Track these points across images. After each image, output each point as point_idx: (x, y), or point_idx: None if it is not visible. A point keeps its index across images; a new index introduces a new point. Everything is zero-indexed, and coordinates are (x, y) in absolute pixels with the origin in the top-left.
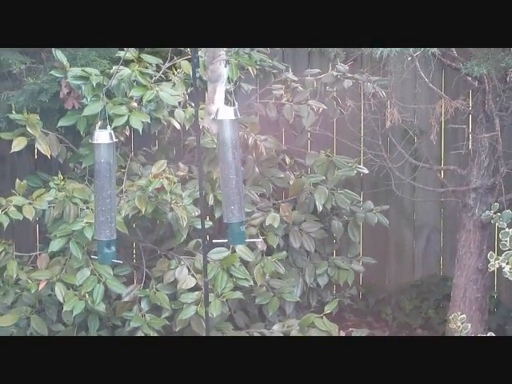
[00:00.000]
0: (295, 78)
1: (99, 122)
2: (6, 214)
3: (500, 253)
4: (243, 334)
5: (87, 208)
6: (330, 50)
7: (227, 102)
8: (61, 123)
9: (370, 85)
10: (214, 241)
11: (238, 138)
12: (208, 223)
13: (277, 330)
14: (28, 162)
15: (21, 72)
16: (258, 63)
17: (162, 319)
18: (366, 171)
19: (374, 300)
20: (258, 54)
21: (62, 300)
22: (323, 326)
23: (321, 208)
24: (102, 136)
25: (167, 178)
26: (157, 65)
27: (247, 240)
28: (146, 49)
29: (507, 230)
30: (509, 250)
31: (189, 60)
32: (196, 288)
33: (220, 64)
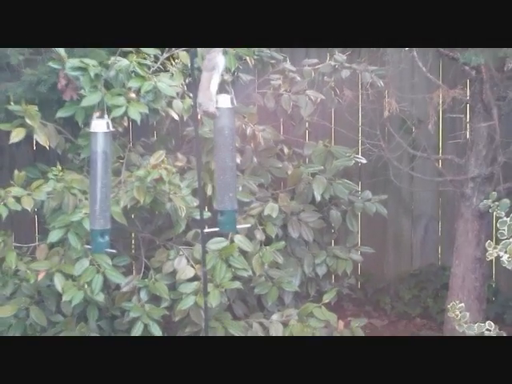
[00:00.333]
0: (293, 68)
1: (97, 113)
2: (4, 205)
3: (498, 242)
4: (242, 323)
5: (86, 199)
6: None
7: (224, 91)
8: (59, 114)
9: (367, 75)
10: (205, 230)
11: (234, 127)
12: (206, 213)
13: (276, 320)
14: (27, 153)
15: (19, 63)
16: (256, 53)
17: (161, 309)
18: (364, 161)
19: (372, 289)
20: None
21: (61, 290)
22: (322, 316)
23: (319, 198)
24: (100, 125)
25: (166, 168)
26: (155, 55)
27: (238, 226)
28: None
29: (505, 219)
30: (507, 239)
31: (187, 50)
32: (195, 278)
33: (217, 53)
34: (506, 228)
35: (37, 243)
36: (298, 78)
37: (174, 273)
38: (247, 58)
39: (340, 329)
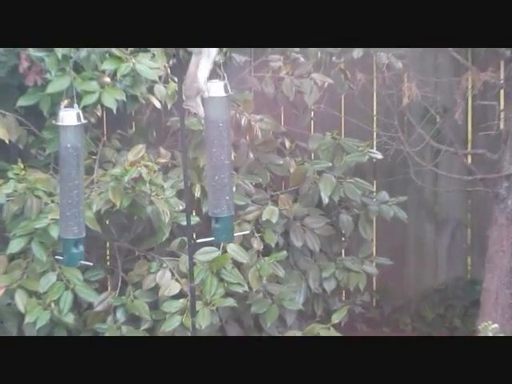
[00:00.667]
0: (296, 48)
1: (65, 101)
2: None
3: None
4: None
5: (52, 202)
6: None
7: (216, 75)
8: (20, 102)
9: (383, 55)
10: (198, 240)
11: (228, 118)
12: (194, 219)
13: None
14: None
15: None
16: None
17: (140, 331)
18: (379, 156)
19: (390, 308)
20: None
21: (23, 310)
22: None
23: (327, 200)
24: (69, 116)
25: (146, 165)
26: None
27: (235, 234)
28: None
29: None
30: None
31: None
32: (181, 295)
33: None
34: None
35: None
36: (302, 59)
37: (155, 288)
38: None
39: None
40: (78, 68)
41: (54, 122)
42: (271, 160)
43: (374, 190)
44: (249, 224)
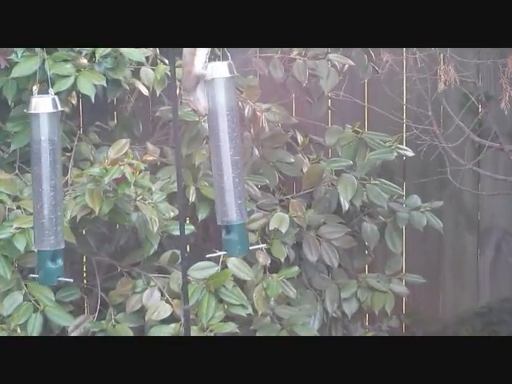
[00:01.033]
0: None
1: (35, 87)
2: None
3: None
4: None
5: (18, 208)
6: None
7: (215, 57)
8: None
9: None
10: (207, 255)
11: (236, 105)
12: (189, 227)
13: None
14: None
15: None
16: None
17: None
18: (410, 153)
19: (422, 334)
20: None
21: None
22: None
23: (347, 205)
24: (43, 103)
25: (130, 164)
26: None
27: (250, 247)
28: None
29: None
30: None
31: None
32: (172, 319)
33: None
34: None
35: None
36: None
37: (142, 311)
38: None
39: None
40: (49, 48)
41: (24, 110)
42: (280, 158)
43: (404, 193)
44: (254, 234)
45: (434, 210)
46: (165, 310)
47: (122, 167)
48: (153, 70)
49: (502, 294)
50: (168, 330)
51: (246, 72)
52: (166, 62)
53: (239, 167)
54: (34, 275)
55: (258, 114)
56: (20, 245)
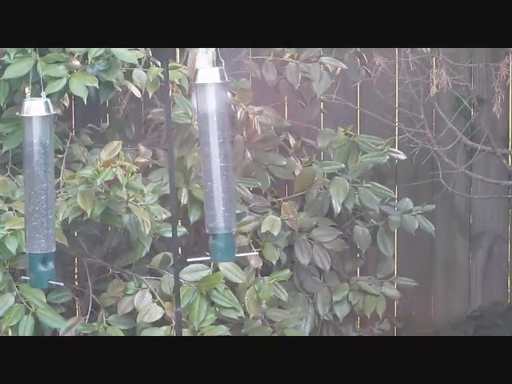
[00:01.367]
0: None
1: (27, 88)
2: None
3: None
4: None
5: (10, 209)
6: None
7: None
8: None
9: None
10: (189, 259)
11: (226, 111)
12: (181, 230)
13: None
14: None
15: None
16: None
17: None
18: (402, 157)
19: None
20: None
21: None
22: None
23: (339, 209)
24: (35, 106)
25: (122, 166)
26: None
27: (238, 255)
28: None
29: None
30: None
31: None
32: (163, 321)
33: None
34: None
35: None
36: None
37: (133, 314)
38: None
39: None
40: (41, 49)
41: (15, 113)
42: (272, 160)
43: (396, 196)
44: (245, 237)
45: (426, 213)
46: (156, 313)
47: (114, 169)
48: (145, 72)
49: (494, 298)
50: (159, 333)
51: (238, 75)
52: (159, 64)
53: (227, 174)
54: (25, 277)
55: (251, 116)
56: (12, 246)
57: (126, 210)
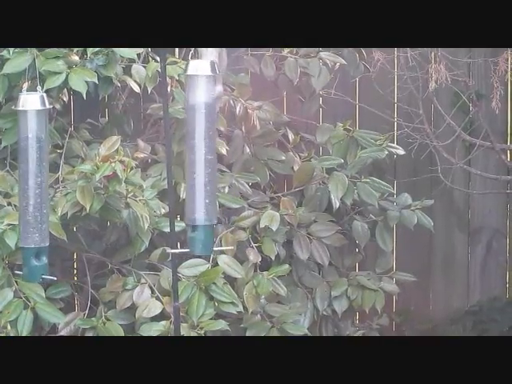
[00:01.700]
0: None
1: (26, 83)
2: None
3: None
4: None
5: (9, 204)
6: None
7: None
8: None
9: None
10: (168, 250)
11: (214, 103)
12: (180, 224)
13: None
14: None
15: None
16: None
17: None
18: (401, 152)
19: (412, 332)
20: None
21: None
22: None
23: (338, 204)
24: (31, 100)
25: (121, 161)
26: None
27: (215, 248)
28: None
29: None
30: None
31: None
32: (162, 316)
33: None
34: None
35: None
36: None
37: (132, 308)
38: None
39: None
40: None
41: (12, 107)
42: (271, 155)
43: (395, 191)
44: (244, 232)
45: (425, 208)
46: (155, 308)
47: (113, 164)
48: (144, 67)
49: (492, 293)
50: (158, 328)
51: (237, 70)
52: (158, 59)
53: (210, 167)
54: (18, 272)
55: (250, 111)
56: (11, 241)
57: (125, 205)
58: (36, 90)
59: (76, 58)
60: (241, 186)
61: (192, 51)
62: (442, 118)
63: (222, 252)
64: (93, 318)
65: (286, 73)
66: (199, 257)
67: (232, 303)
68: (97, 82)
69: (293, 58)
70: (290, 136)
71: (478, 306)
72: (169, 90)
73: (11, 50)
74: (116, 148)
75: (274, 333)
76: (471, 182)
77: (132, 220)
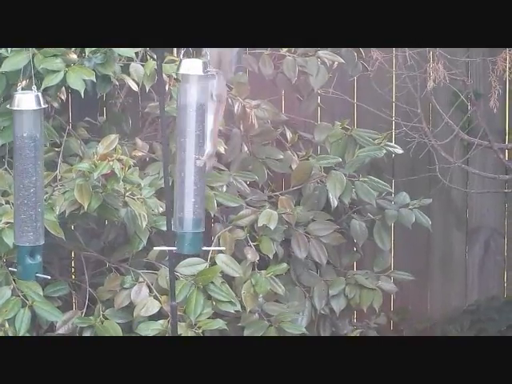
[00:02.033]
0: None
1: (23, 82)
2: None
3: None
4: None
5: (7, 203)
6: None
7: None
8: None
9: None
10: (155, 247)
11: (206, 104)
12: None
13: None
14: None
15: None
16: None
17: None
18: (399, 151)
19: (410, 331)
20: None
21: None
22: None
23: (336, 202)
24: (26, 100)
25: (119, 159)
26: None
27: (204, 248)
28: None
29: None
30: None
31: None
32: (160, 315)
33: None
34: None
35: None
36: None
37: (130, 307)
38: None
39: None
40: None
41: (8, 106)
42: (269, 154)
43: (393, 190)
44: (242, 230)
45: (423, 207)
46: (153, 306)
47: (111, 163)
48: (142, 65)
49: (490, 292)
50: (156, 326)
51: (235, 69)
52: (155, 57)
53: (201, 166)
54: (13, 269)
55: (248, 110)
56: (8, 239)
57: (123, 204)
58: (32, 89)
59: (74, 56)
60: (239, 185)
61: (184, 50)
62: (440, 117)
63: (220, 251)
64: (91, 317)
65: (284, 71)
66: (197, 256)
67: (230, 302)
68: (95, 80)
69: (291, 57)
70: (288, 135)
71: (475, 306)
72: (166, 88)
73: (9, 48)
74: (114, 146)
75: (272, 332)
76: (469, 181)
77: (130, 218)
